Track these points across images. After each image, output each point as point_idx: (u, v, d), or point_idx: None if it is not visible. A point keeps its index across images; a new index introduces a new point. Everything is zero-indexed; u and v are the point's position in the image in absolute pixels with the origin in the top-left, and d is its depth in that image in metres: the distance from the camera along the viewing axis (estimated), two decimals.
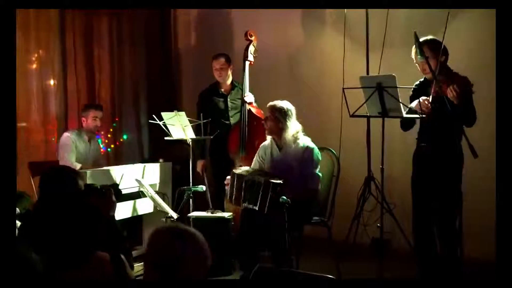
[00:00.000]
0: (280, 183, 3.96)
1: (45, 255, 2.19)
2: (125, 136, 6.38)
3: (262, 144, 4.51)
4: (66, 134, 5.19)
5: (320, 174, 4.30)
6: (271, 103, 4.36)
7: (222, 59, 5.26)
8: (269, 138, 4.43)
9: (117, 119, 6.27)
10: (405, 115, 3.91)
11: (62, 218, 2.79)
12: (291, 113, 4.28)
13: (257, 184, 4.06)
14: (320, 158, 4.32)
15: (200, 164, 5.30)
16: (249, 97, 5.11)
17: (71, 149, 5.10)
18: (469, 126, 3.83)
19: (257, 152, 4.52)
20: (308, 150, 4.25)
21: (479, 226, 4.44)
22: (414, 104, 3.92)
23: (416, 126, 4.13)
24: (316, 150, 4.29)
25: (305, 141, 4.31)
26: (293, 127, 4.29)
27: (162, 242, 1.93)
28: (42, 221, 2.84)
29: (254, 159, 4.53)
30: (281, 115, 4.24)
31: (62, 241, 2.65)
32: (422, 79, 4.09)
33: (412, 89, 4.08)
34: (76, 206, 2.88)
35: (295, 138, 4.28)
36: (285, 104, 4.32)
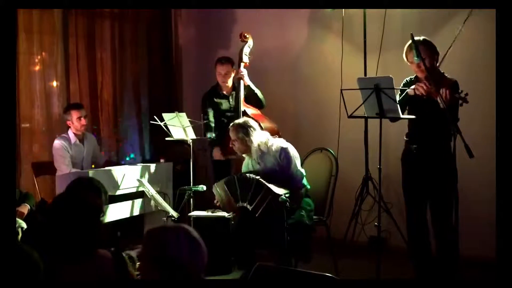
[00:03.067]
0: (280, 195, 3.88)
1: (49, 253, 2.14)
2: (126, 137, 6.30)
3: (243, 162, 4.45)
4: (56, 142, 5.03)
5: (301, 170, 4.20)
6: (230, 125, 4.31)
7: (229, 65, 5.13)
8: (245, 156, 4.37)
9: (118, 120, 6.20)
10: (402, 116, 3.84)
11: (69, 216, 2.74)
12: (253, 128, 4.21)
13: (256, 184, 4.00)
14: (296, 154, 4.22)
15: (216, 150, 5.10)
16: (244, 72, 5.09)
17: (65, 155, 4.98)
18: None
19: (242, 170, 4.45)
20: (282, 151, 4.16)
21: (478, 225, 4.39)
22: (410, 90, 3.85)
23: (405, 127, 4.05)
24: (290, 148, 4.20)
25: (277, 144, 4.23)
26: (260, 138, 4.22)
27: (158, 240, 1.92)
28: (51, 220, 2.78)
29: None
30: (243, 133, 4.18)
31: (65, 238, 2.58)
32: (412, 77, 4.02)
33: (402, 85, 4.00)
34: (82, 204, 2.83)
35: (268, 146, 4.21)
36: (243, 121, 4.29)
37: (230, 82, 5.19)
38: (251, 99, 5.12)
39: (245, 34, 5.20)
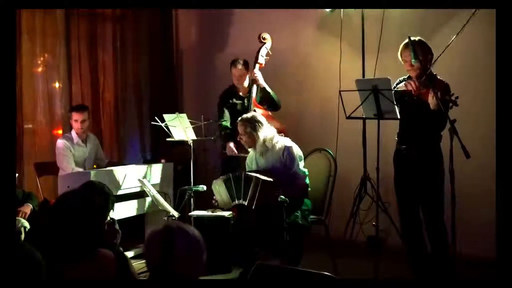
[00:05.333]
0: (270, 181, 3.95)
1: (50, 252, 2.10)
2: (128, 137, 6.27)
3: (248, 156, 4.45)
4: (59, 141, 5.01)
5: (304, 170, 4.20)
6: (238, 120, 4.32)
7: (242, 67, 5.04)
8: (251, 150, 4.37)
9: (120, 121, 6.16)
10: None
11: (70, 216, 2.70)
12: (261, 123, 4.22)
13: (246, 179, 4.04)
14: (299, 154, 4.23)
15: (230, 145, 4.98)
16: (258, 74, 5.02)
17: (68, 155, 4.95)
18: (439, 132, 3.73)
19: (246, 163, 4.45)
20: (286, 150, 4.18)
21: (477, 225, 4.35)
22: (401, 85, 3.82)
23: (396, 127, 4.00)
24: (294, 147, 4.21)
25: (282, 142, 4.24)
26: (267, 134, 4.22)
27: (158, 242, 1.91)
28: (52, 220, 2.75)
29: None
30: (251, 128, 4.20)
31: (67, 237, 2.54)
32: (405, 77, 3.98)
33: (395, 85, 3.96)
34: (86, 203, 2.79)
35: (273, 142, 4.22)
36: (251, 116, 4.29)
37: (246, 83, 5.12)
38: (266, 101, 5.05)
39: (264, 36, 5.13)
